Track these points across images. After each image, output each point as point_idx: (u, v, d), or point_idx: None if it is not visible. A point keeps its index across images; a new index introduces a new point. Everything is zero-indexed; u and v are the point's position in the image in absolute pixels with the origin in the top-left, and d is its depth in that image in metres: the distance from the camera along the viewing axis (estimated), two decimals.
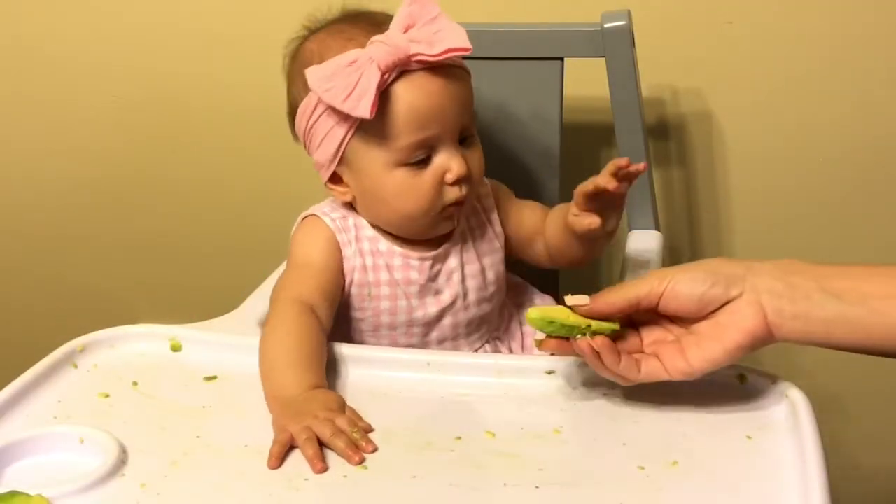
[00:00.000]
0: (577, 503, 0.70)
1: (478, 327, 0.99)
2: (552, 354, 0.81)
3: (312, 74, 0.88)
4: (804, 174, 1.28)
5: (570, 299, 0.79)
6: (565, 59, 1.11)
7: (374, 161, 0.91)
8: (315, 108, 0.91)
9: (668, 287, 0.77)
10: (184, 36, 1.38)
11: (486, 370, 0.85)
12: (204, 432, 0.78)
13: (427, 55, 0.87)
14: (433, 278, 0.96)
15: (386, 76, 0.87)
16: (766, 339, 0.75)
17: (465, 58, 0.91)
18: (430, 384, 0.85)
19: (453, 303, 0.97)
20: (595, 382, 0.83)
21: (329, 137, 0.91)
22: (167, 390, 0.85)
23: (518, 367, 0.85)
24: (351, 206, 0.97)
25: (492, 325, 1.00)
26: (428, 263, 0.96)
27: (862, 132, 1.25)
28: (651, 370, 0.78)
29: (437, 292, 0.96)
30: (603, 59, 1.10)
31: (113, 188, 1.49)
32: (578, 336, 0.78)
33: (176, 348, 0.90)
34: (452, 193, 0.92)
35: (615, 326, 0.79)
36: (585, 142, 1.29)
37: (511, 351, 1.01)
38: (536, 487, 0.71)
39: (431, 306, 0.96)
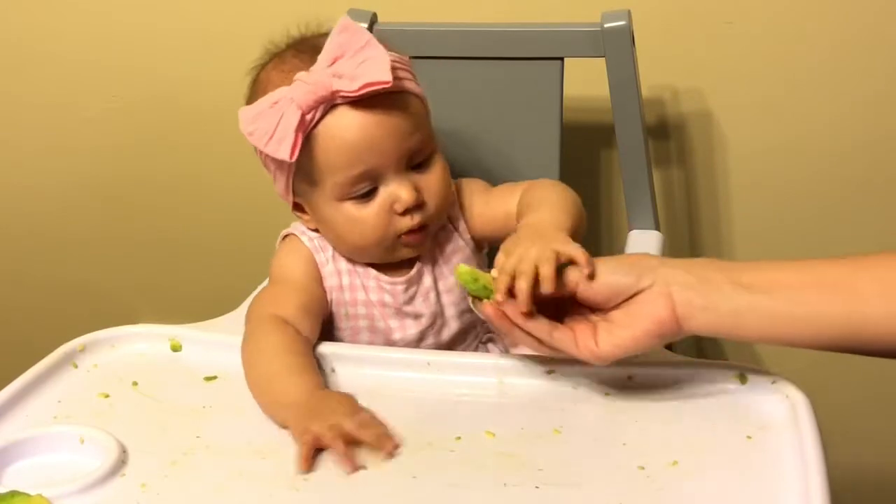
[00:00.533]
0: (577, 503, 0.70)
1: (463, 338, 0.98)
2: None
3: (242, 115, 0.88)
4: (804, 174, 1.28)
5: (495, 271, 0.80)
6: (565, 59, 1.11)
7: (319, 196, 0.91)
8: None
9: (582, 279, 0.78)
10: (184, 36, 1.38)
11: (486, 370, 0.85)
12: (204, 432, 0.78)
13: (348, 91, 0.85)
14: (409, 301, 0.95)
15: (309, 116, 0.85)
16: (674, 329, 0.76)
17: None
18: (430, 384, 0.85)
19: (432, 324, 0.95)
20: (595, 382, 0.83)
21: (277, 174, 0.92)
22: (167, 390, 0.85)
23: (518, 367, 0.85)
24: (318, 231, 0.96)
25: (480, 329, 0.99)
26: (401, 287, 0.94)
27: (862, 132, 1.25)
28: (562, 338, 0.78)
29: (417, 315, 0.95)
30: (603, 59, 1.10)
31: (113, 188, 1.49)
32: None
33: (176, 348, 0.90)
34: (404, 223, 0.90)
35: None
36: (585, 142, 1.29)
37: (507, 349, 1.01)
38: (536, 487, 0.71)
39: (410, 328, 0.95)
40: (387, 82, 0.84)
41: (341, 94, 0.85)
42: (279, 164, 0.90)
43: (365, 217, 0.90)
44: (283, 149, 0.85)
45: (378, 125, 0.87)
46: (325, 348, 0.91)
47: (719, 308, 0.75)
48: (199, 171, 1.45)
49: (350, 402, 0.78)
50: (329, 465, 0.74)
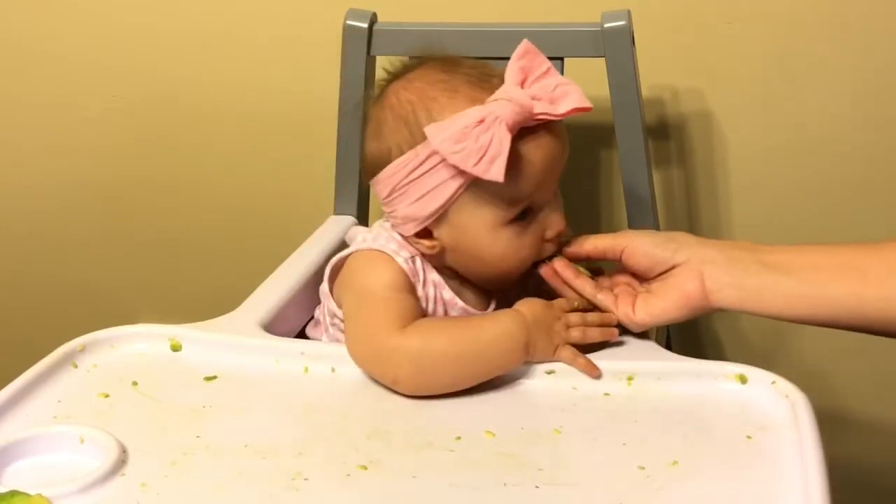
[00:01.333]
0: (577, 503, 0.70)
1: None
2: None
3: (437, 134, 0.83)
4: (804, 174, 1.28)
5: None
6: (565, 59, 1.11)
7: (480, 220, 0.87)
8: (423, 163, 0.86)
9: (628, 243, 0.89)
10: (184, 36, 1.38)
11: None
12: (204, 432, 0.78)
13: (551, 114, 0.85)
14: None
15: (512, 135, 0.83)
16: (702, 302, 0.85)
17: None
18: None
19: None
20: (595, 382, 0.83)
21: (434, 193, 0.87)
22: (167, 390, 0.85)
23: (518, 367, 0.85)
24: (439, 257, 0.92)
25: None
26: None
27: (862, 132, 1.25)
28: (604, 300, 0.89)
29: None
30: (603, 59, 1.10)
31: (113, 188, 1.49)
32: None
33: (176, 348, 0.90)
34: (549, 249, 0.91)
35: (580, 268, 0.91)
36: (585, 142, 1.29)
37: None
38: (536, 487, 0.71)
39: None
40: (589, 108, 0.87)
41: (542, 116, 0.85)
42: (450, 182, 0.86)
43: (523, 244, 0.89)
44: (496, 169, 0.82)
45: (558, 150, 0.88)
46: (326, 348, 0.91)
47: (744, 285, 0.83)
48: (199, 171, 1.45)
49: (549, 310, 0.87)
50: (329, 464, 0.74)
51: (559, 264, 0.90)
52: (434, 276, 0.92)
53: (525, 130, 0.85)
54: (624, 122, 1.12)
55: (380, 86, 0.94)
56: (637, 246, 0.88)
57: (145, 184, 1.47)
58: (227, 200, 1.46)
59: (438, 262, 0.92)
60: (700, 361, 0.85)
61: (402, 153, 0.88)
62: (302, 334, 1.02)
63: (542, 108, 0.85)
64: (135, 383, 0.85)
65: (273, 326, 0.93)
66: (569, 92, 0.86)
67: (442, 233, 0.90)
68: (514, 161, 0.84)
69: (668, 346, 0.97)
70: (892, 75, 1.22)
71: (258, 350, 0.88)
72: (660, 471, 0.72)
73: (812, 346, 1.35)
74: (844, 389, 1.36)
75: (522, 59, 0.87)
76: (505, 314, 0.87)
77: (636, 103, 1.11)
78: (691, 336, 1.38)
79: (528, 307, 0.86)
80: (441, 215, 0.88)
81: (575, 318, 0.87)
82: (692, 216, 1.33)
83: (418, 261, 0.92)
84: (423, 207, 0.88)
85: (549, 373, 0.85)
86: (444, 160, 0.84)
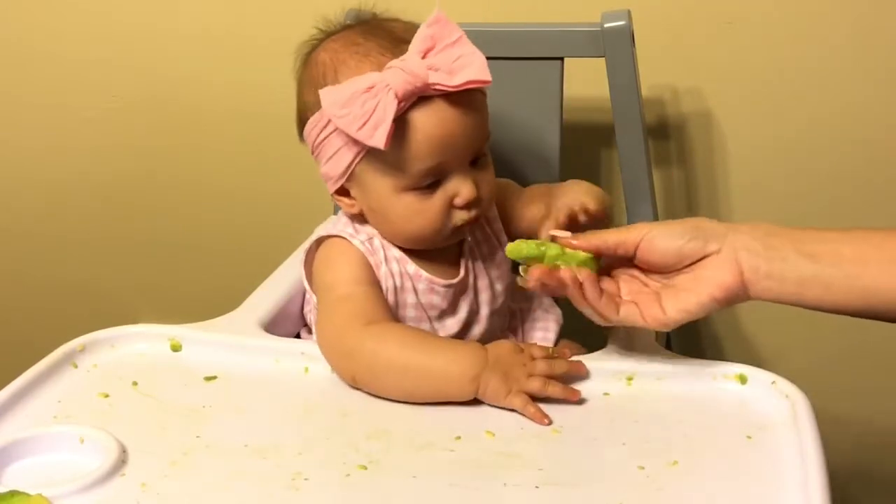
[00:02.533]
0: (577, 503, 0.70)
1: (490, 337, 0.97)
2: (533, 288, 0.82)
3: (327, 97, 0.85)
4: (804, 174, 1.28)
5: (554, 231, 0.85)
6: (565, 59, 1.11)
7: (381, 185, 0.89)
8: (325, 126, 0.89)
9: (644, 238, 0.81)
10: (184, 36, 1.38)
11: None
12: (204, 432, 0.78)
13: (446, 86, 0.85)
14: (454, 302, 0.95)
15: (402, 104, 0.84)
16: (739, 294, 0.78)
17: None
18: None
19: (468, 322, 0.96)
20: (595, 382, 0.83)
21: (339, 155, 0.89)
22: (167, 390, 0.85)
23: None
24: (362, 217, 0.95)
25: (507, 329, 1.01)
26: (452, 290, 0.94)
27: (862, 132, 1.25)
28: (628, 313, 0.81)
29: (457, 315, 0.95)
30: (603, 59, 1.10)
31: (113, 188, 1.49)
32: (560, 264, 0.81)
33: (176, 348, 0.90)
34: (461, 216, 0.90)
35: (588, 258, 0.82)
36: (585, 142, 1.29)
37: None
38: (536, 487, 0.71)
39: (451, 328, 0.95)
40: (487, 82, 0.86)
41: (437, 87, 0.85)
42: (348, 147, 0.88)
43: (427, 209, 0.89)
44: (378, 136, 0.83)
45: (461, 122, 0.87)
46: None
47: (785, 277, 0.77)
48: (199, 171, 1.45)
49: (516, 354, 0.83)
50: (329, 464, 0.74)
51: (586, 276, 0.81)
52: (395, 251, 0.94)
53: (423, 101, 0.86)
54: (624, 122, 1.12)
55: (311, 44, 0.96)
56: (657, 240, 0.81)
57: (145, 184, 1.47)
58: (227, 200, 1.46)
59: (370, 223, 0.94)
60: (700, 361, 0.85)
61: (313, 112, 0.90)
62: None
63: (437, 79, 0.85)
64: (135, 383, 0.85)
65: (273, 326, 0.93)
66: (470, 63, 0.86)
67: (355, 192, 0.92)
68: (410, 131, 0.86)
69: (668, 346, 0.96)
70: (892, 75, 1.22)
71: (258, 350, 0.89)
72: (660, 471, 0.72)
73: (812, 346, 1.35)
74: (844, 389, 1.35)
75: (433, 27, 0.86)
76: (467, 344, 0.87)
77: (636, 103, 1.11)
78: (691, 336, 1.38)
79: (495, 346, 0.85)
80: (351, 175, 0.90)
81: (542, 366, 0.82)
82: (692, 216, 1.32)
83: (376, 240, 0.94)
84: (334, 167, 0.90)
85: None
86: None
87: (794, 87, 1.25)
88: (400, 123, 0.85)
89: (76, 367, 0.87)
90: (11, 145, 1.49)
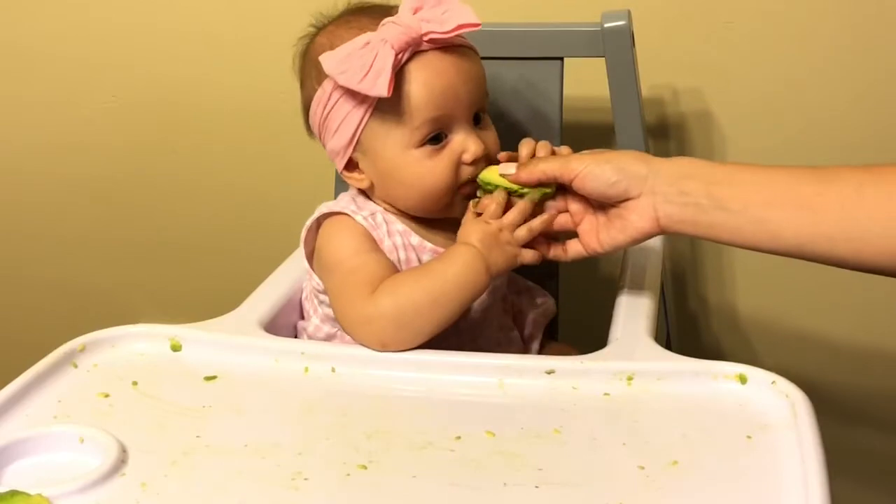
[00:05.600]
0: (577, 503, 0.70)
1: (490, 305, 0.99)
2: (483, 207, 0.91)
3: (327, 60, 0.88)
4: None
5: (502, 167, 0.92)
6: (565, 59, 1.11)
7: (390, 143, 0.92)
8: (330, 96, 0.92)
9: (578, 174, 0.88)
10: (184, 36, 1.38)
11: (486, 370, 0.85)
12: (204, 432, 0.78)
13: (438, 32, 0.88)
14: None
15: (399, 56, 0.88)
16: (656, 233, 0.87)
17: None
18: (430, 384, 0.85)
19: None
20: (595, 382, 0.83)
21: (345, 123, 0.92)
22: (167, 390, 0.85)
23: (518, 367, 0.85)
24: (367, 196, 0.97)
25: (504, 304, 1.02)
26: None
27: (862, 131, 1.25)
28: (575, 251, 0.92)
29: None
30: (603, 59, 1.10)
31: (113, 188, 1.49)
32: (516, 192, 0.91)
33: (176, 348, 0.90)
34: (469, 172, 0.93)
35: (546, 191, 0.91)
36: (585, 142, 1.28)
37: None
38: (536, 487, 0.71)
39: None
40: (477, 24, 0.89)
41: (430, 36, 0.89)
42: (355, 109, 0.91)
43: (436, 164, 0.92)
44: (380, 84, 0.86)
45: (459, 72, 0.91)
46: (326, 348, 0.91)
47: (697, 221, 0.84)
48: (199, 171, 1.45)
49: (482, 223, 0.89)
50: (329, 464, 0.74)
51: (530, 257, 0.91)
52: (398, 225, 0.96)
53: (419, 55, 0.90)
54: (624, 122, 1.12)
55: (307, 37, 0.99)
56: (587, 178, 0.87)
57: (145, 184, 1.48)
58: (227, 200, 1.46)
59: (380, 199, 0.96)
60: (700, 361, 0.85)
61: (315, 91, 0.93)
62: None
63: (429, 28, 0.88)
64: (135, 383, 0.85)
65: (273, 326, 0.93)
66: (458, 10, 0.90)
67: (364, 163, 0.95)
68: (410, 83, 0.89)
69: (668, 346, 0.96)
70: (891, 75, 1.22)
71: (258, 350, 0.89)
72: (660, 471, 0.72)
73: (812, 346, 1.35)
74: (844, 389, 1.36)
75: None
76: (455, 250, 0.90)
77: (636, 103, 1.11)
78: (691, 336, 1.38)
79: (469, 233, 0.90)
80: (358, 144, 0.93)
81: (512, 217, 0.90)
82: None
83: (379, 216, 0.96)
84: (341, 138, 0.93)
85: (549, 373, 0.85)
86: (344, 91, 0.90)
87: (794, 86, 1.25)
88: (399, 77, 0.88)
89: (76, 366, 0.87)
90: (12, 145, 1.49)
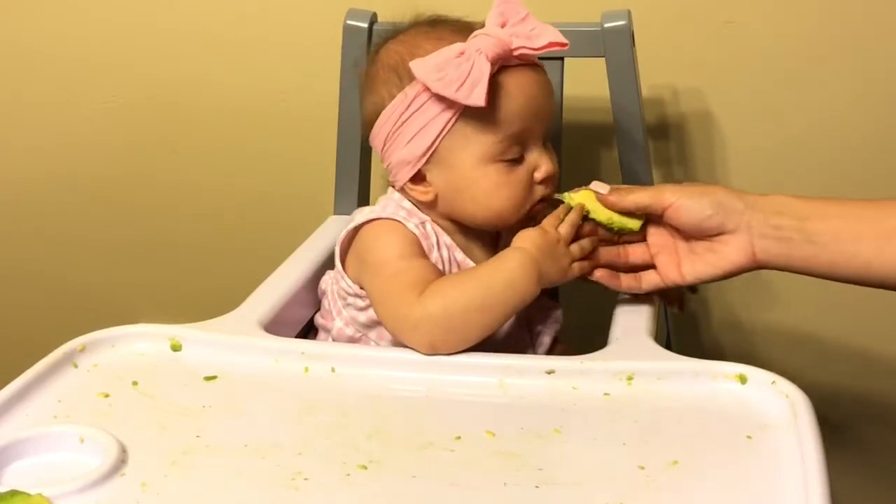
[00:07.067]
0: (577, 503, 0.70)
1: (514, 324, 0.98)
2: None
3: (420, 65, 0.88)
4: (804, 174, 1.28)
5: (595, 185, 0.93)
6: (565, 59, 1.11)
7: (468, 156, 0.92)
8: (412, 102, 0.91)
9: (672, 205, 0.89)
10: (184, 36, 1.38)
11: (486, 370, 0.85)
12: (204, 432, 0.78)
13: (529, 48, 0.89)
14: None
15: (492, 67, 0.88)
16: (751, 268, 0.89)
17: None
18: (430, 384, 0.85)
19: None
20: (595, 382, 0.83)
21: (425, 131, 0.91)
22: (167, 390, 0.85)
23: (518, 367, 0.85)
24: (416, 206, 0.96)
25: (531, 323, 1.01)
26: None
27: (862, 131, 1.25)
28: (650, 283, 0.93)
29: None
30: (603, 59, 1.10)
31: (113, 188, 1.49)
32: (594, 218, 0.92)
33: (176, 348, 0.90)
34: (539, 192, 0.94)
35: (634, 227, 0.92)
36: (585, 142, 1.29)
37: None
38: (536, 487, 0.71)
39: None
40: (565, 44, 0.91)
41: (520, 51, 0.89)
42: (439, 116, 0.91)
43: (512, 181, 0.92)
44: (477, 93, 0.87)
45: (542, 89, 0.93)
46: (326, 348, 0.91)
47: (791, 255, 0.86)
48: (199, 171, 1.45)
49: (541, 232, 0.90)
50: (329, 464, 0.74)
51: (600, 276, 0.93)
52: (446, 238, 0.96)
53: (506, 68, 0.90)
54: (624, 122, 1.12)
55: (374, 49, 0.99)
56: (682, 210, 0.89)
57: (145, 184, 1.48)
58: (227, 200, 1.46)
59: (437, 212, 0.96)
60: (700, 361, 0.85)
61: (392, 98, 0.92)
62: (304, 331, 1.02)
63: (520, 43, 0.89)
64: (135, 383, 0.85)
65: (273, 326, 0.93)
66: (545, 30, 0.91)
67: (434, 175, 0.94)
68: (497, 96, 0.90)
69: (668, 346, 0.96)
70: (891, 75, 1.22)
71: (258, 350, 0.89)
72: (660, 471, 0.72)
73: (812, 346, 1.35)
74: (844, 389, 1.36)
75: (501, 6, 0.91)
76: (508, 254, 0.89)
77: (636, 103, 1.11)
78: (691, 336, 1.38)
79: (525, 241, 0.90)
80: (432, 155, 0.92)
81: (565, 231, 0.91)
82: None
83: (429, 225, 0.95)
84: (416, 148, 0.92)
85: (549, 373, 0.85)
86: (431, 97, 0.90)
87: (794, 86, 1.25)
88: (489, 89, 0.88)
89: (76, 366, 0.87)
90: (12, 145, 1.49)
